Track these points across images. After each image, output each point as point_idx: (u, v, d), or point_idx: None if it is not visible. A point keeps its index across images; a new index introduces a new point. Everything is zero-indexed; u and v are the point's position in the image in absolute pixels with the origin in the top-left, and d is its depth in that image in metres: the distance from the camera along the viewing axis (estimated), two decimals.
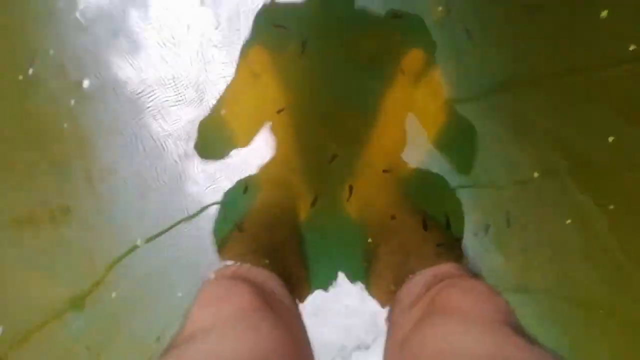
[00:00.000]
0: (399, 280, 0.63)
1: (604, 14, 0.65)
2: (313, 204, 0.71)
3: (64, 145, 0.73)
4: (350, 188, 0.70)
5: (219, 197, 0.72)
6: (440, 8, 0.68)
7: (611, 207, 0.67)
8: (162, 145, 0.73)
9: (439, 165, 0.70)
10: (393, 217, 0.70)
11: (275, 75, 0.70)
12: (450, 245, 0.67)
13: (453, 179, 0.70)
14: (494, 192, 0.70)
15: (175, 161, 0.73)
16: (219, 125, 0.71)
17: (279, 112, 0.71)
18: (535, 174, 0.69)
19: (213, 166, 0.72)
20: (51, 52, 0.71)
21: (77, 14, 0.72)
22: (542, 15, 0.67)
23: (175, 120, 0.72)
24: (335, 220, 0.74)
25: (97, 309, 0.72)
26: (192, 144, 0.72)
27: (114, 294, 0.72)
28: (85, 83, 0.72)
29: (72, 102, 0.72)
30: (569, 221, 0.68)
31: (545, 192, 0.69)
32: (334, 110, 0.71)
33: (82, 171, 0.73)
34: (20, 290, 0.74)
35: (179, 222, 0.72)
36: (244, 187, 0.72)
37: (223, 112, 0.71)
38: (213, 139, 0.72)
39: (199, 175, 0.72)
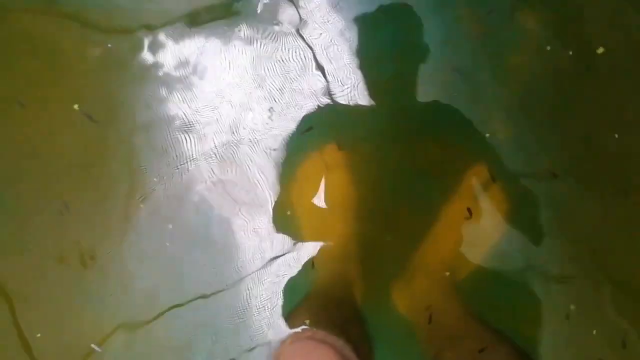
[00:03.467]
0: None
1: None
2: None
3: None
4: (430, 316, 0.74)
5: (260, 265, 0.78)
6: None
7: None
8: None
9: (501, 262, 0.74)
10: (454, 327, 0.72)
11: (346, 172, 0.78)
12: None
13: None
14: None
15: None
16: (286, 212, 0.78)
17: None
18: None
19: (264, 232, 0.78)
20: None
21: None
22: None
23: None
24: (384, 314, 0.76)
25: None
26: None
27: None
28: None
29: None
30: None
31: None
32: (395, 207, 0.78)
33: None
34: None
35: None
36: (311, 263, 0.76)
37: (292, 197, 0.78)
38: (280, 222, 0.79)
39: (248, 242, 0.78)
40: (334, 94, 0.77)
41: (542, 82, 0.73)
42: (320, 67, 0.77)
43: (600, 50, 0.70)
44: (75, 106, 0.78)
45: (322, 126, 0.77)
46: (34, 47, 0.79)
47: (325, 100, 0.77)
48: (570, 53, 0.71)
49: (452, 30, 0.74)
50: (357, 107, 0.77)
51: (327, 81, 0.77)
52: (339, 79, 0.77)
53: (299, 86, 0.77)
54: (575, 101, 0.72)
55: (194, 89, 0.79)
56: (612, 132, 0.71)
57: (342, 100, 0.77)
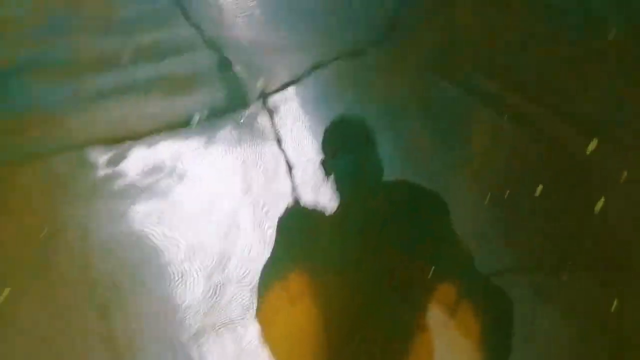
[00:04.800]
0: None
1: None
2: None
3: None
4: None
5: None
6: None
7: None
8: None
9: None
10: None
11: (312, 301, 0.78)
12: None
13: None
14: None
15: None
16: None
17: None
18: None
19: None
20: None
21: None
22: None
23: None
24: None
25: None
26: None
27: None
28: None
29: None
30: None
31: None
32: (365, 335, 0.76)
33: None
34: None
35: None
36: None
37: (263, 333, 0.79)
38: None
39: None
40: (301, 199, 0.83)
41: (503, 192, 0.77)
42: (290, 174, 0.85)
43: (539, 189, 0.75)
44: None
45: (286, 249, 0.81)
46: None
47: (290, 215, 0.83)
48: (508, 192, 0.75)
49: (408, 143, 0.80)
50: (322, 223, 0.81)
51: (294, 192, 0.84)
52: (306, 191, 0.83)
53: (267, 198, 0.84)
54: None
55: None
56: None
57: (307, 210, 0.83)
